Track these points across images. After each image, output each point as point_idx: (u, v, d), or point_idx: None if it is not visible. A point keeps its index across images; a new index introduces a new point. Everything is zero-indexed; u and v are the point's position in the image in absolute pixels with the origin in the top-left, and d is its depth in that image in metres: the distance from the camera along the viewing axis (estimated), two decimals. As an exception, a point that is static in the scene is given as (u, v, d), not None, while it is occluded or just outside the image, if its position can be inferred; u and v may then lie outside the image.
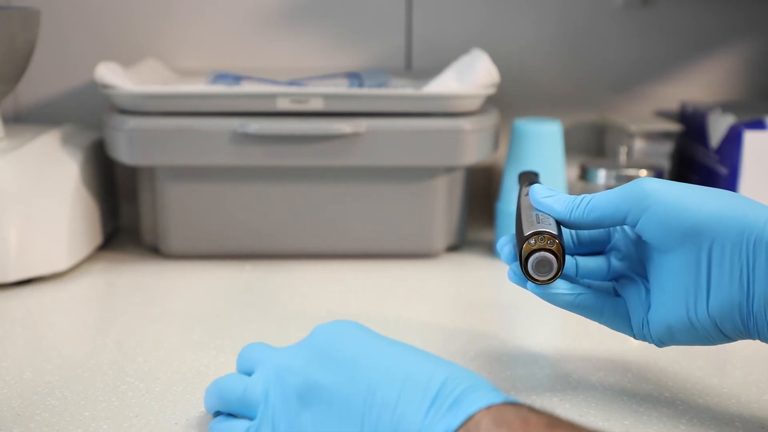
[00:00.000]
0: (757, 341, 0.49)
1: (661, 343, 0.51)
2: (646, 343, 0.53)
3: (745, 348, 0.60)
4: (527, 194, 0.55)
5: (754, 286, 0.47)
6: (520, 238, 0.50)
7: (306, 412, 0.43)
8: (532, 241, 0.49)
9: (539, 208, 0.53)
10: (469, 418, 0.38)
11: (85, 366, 0.60)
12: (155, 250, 0.88)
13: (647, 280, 0.52)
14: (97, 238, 0.86)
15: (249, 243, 0.85)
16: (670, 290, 0.49)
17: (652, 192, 0.48)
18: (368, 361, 0.43)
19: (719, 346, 0.56)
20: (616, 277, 0.54)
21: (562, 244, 0.49)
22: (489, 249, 0.89)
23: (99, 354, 0.63)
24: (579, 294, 0.52)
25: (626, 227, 0.54)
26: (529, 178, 0.63)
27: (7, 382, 0.58)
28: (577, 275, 0.54)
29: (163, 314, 0.71)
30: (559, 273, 0.50)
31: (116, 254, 0.87)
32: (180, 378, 0.58)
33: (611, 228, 0.54)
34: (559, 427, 0.37)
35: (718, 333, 0.49)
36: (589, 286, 0.54)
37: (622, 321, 0.53)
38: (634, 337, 0.53)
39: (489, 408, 0.39)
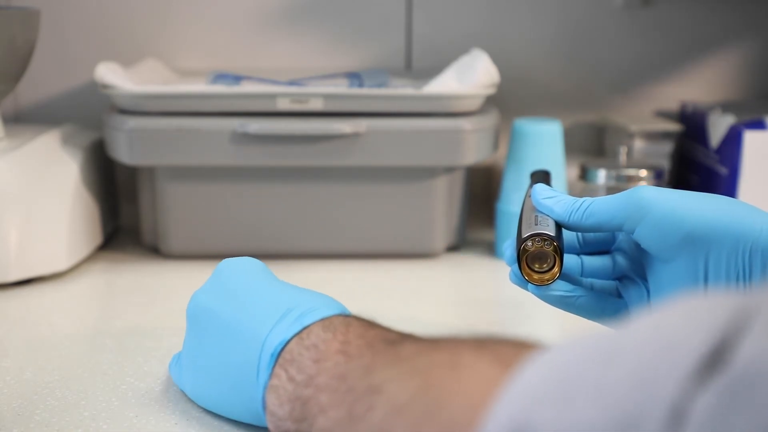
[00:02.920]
0: None
1: None
2: None
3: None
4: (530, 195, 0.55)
5: None
6: (519, 240, 0.51)
7: (193, 330, 0.52)
8: (529, 243, 0.50)
9: (539, 209, 0.53)
10: (304, 328, 0.46)
11: (85, 366, 0.60)
12: (155, 250, 0.88)
13: (648, 283, 0.52)
14: (97, 238, 0.86)
15: (249, 243, 0.85)
16: (669, 297, 0.49)
17: (648, 201, 0.49)
18: (246, 290, 0.51)
19: None
20: (620, 277, 0.54)
21: (559, 246, 0.50)
22: (489, 249, 0.89)
23: (99, 354, 0.63)
24: (580, 296, 0.52)
25: None
26: (539, 178, 0.63)
27: (7, 382, 0.58)
28: (582, 274, 0.54)
29: (163, 314, 0.71)
30: (558, 274, 0.50)
31: (116, 254, 0.87)
32: (180, 378, 0.58)
33: None
34: (376, 328, 0.44)
35: None
36: (591, 287, 0.54)
37: (623, 319, 0.53)
38: None
39: (323, 319, 0.46)
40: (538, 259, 0.50)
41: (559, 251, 0.50)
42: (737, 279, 0.47)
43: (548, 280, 0.51)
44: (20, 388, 0.57)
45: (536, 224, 0.51)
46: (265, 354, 0.46)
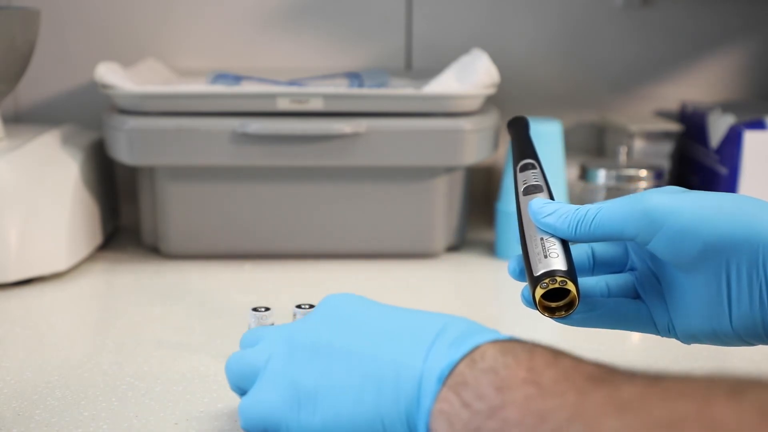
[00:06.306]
0: None
1: (687, 343, 0.51)
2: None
3: (748, 348, 0.60)
4: (527, 207, 0.52)
5: None
6: (531, 278, 0.48)
7: (314, 363, 0.46)
8: (544, 284, 0.47)
9: (542, 230, 0.50)
10: (475, 349, 0.40)
11: (85, 366, 0.60)
12: (155, 250, 0.87)
13: (666, 287, 0.51)
14: (97, 238, 0.86)
15: (249, 243, 0.85)
16: (691, 305, 0.48)
17: (661, 214, 0.46)
18: (371, 319, 0.46)
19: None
20: (633, 269, 0.52)
21: (574, 279, 0.47)
22: (489, 249, 0.89)
23: (99, 354, 0.63)
24: (600, 313, 0.50)
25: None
26: (517, 130, 0.58)
27: (7, 382, 0.58)
28: (593, 271, 0.52)
29: (163, 314, 0.71)
30: (576, 305, 0.47)
31: (116, 254, 0.87)
32: (180, 378, 0.58)
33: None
34: (565, 357, 0.39)
35: (744, 342, 0.48)
36: (608, 293, 0.52)
37: (645, 324, 0.51)
38: (660, 336, 0.52)
39: (495, 341, 0.41)
40: (553, 295, 0.48)
41: (575, 285, 0.46)
42: (760, 290, 0.46)
43: (566, 313, 0.48)
44: (20, 388, 0.57)
45: (545, 255, 0.48)
46: (428, 377, 0.41)
